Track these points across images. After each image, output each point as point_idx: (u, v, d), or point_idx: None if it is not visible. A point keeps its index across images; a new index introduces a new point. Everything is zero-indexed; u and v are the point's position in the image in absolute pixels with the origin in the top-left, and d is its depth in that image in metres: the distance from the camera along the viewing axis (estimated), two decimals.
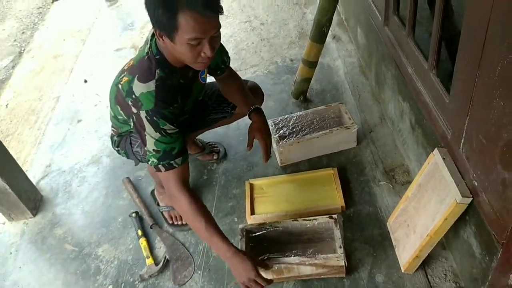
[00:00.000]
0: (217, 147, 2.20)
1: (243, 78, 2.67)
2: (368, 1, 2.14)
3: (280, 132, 2.06)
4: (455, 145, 1.32)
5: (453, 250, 1.51)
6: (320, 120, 2.10)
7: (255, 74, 2.72)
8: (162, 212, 1.93)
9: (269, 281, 1.44)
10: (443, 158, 1.36)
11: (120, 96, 1.45)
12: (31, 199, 2.10)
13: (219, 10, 1.26)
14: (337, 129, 1.98)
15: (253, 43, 3.00)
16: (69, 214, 2.06)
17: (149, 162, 1.43)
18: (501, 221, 1.11)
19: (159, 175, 1.44)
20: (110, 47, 3.35)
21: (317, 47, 2.16)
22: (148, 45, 1.42)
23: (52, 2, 4.36)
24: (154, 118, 1.35)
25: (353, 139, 2.03)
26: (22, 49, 3.70)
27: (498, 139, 1.06)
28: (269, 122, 2.07)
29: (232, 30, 3.17)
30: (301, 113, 2.13)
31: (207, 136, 2.20)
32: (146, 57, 1.41)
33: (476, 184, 1.22)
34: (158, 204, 1.96)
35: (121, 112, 1.54)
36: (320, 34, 2.10)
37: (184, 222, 1.86)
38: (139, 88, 1.37)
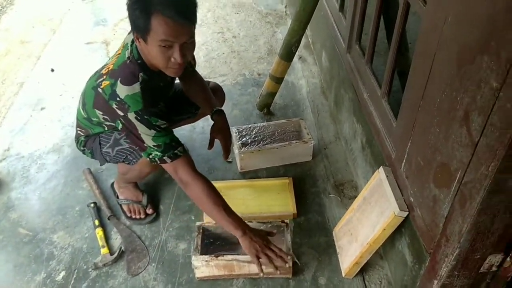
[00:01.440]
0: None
1: None
2: (334, 29, 2.32)
3: (243, 139, 2.18)
4: (397, 165, 1.50)
5: (389, 260, 1.67)
6: (280, 132, 2.24)
7: (223, 83, 2.82)
8: (121, 205, 1.98)
9: (279, 249, 1.51)
10: (387, 176, 1.53)
11: (101, 100, 1.49)
12: None
13: (192, 18, 1.34)
14: (296, 142, 2.13)
15: (223, 53, 3.13)
16: (25, 199, 2.07)
17: (151, 157, 1.47)
18: (430, 233, 1.28)
19: (166, 167, 1.49)
20: (81, 39, 3.35)
21: (285, 65, 2.32)
22: (129, 50, 1.49)
23: None
24: (145, 117, 1.41)
25: (309, 153, 2.18)
26: None
27: (433, 160, 1.23)
28: (233, 129, 2.20)
29: (204, 39, 3.28)
30: (263, 124, 2.27)
31: None
32: (127, 61, 1.48)
33: (412, 200, 1.39)
34: (117, 197, 2.01)
35: (100, 115, 1.58)
36: (288, 53, 2.26)
37: (142, 216, 1.93)
38: (123, 90, 1.42)
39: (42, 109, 2.65)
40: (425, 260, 1.34)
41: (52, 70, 3.00)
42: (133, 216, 1.94)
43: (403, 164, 1.45)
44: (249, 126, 2.26)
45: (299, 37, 2.20)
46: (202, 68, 2.93)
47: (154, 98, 1.48)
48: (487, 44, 0.94)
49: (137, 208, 1.94)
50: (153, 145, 1.45)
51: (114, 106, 1.44)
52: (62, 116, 2.58)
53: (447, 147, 1.14)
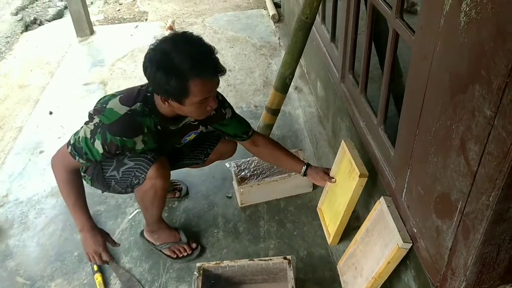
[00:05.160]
0: (179, 185, 2.26)
1: None
2: (328, 59, 2.34)
3: (242, 174, 2.16)
4: (398, 194, 1.47)
5: None
6: None
7: None
8: (161, 251, 1.92)
9: (111, 258, 1.66)
10: (388, 206, 1.50)
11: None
12: None
13: (223, 72, 1.41)
14: (295, 174, 2.10)
15: (220, 87, 3.12)
16: (23, 246, 2.03)
17: (69, 139, 1.56)
18: (436, 265, 1.24)
19: (61, 148, 1.59)
20: (79, 81, 3.39)
21: (280, 97, 2.32)
22: (147, 83, 1.53)
23: (22, 33, 4.38)
24: (99, 129, 1.48)
25: (309, 184, 2.15)
26: None
27: (433, 190, 1.20)
28: (232, 163, 2.18)
29: None
30: None
31: (171, 174, 2.25)
32: (140, 88, 1.56)
33: (415, 230, 1.35)
34: (153, 245, 1.94)
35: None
36: (283, 85, 2.27)
37: (189, 252, 1.89)
38: (114, 104, 1.50)
39: (41, 152, 2.65)
40: None
41: (51, 113, 3.02)
42: (180, 255, 1.89)
43: (403, 193, 1.42)
44: (248, 159, 2.24)
45: (293, 69, 2.22)
46: None
47: (129, 131, 1.50)
48: (477, 73, 0.93)
49: (180, 247, 1.89)
50: (78, 137, 1.52)
51: (95, 107, 1.55)
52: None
53: (446, 177, 1.11)
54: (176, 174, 2.29)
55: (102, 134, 1.48)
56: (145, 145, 1.56)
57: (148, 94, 1.53)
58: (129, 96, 1.53)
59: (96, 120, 1.50)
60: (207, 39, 3.90)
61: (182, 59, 1.33)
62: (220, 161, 2.14)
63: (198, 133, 1.78)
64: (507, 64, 0.83)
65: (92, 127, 1.50)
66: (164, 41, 1.40)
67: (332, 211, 1.90)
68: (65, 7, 4.78)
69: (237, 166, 2.20)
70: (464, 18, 0.96)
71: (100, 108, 1.51)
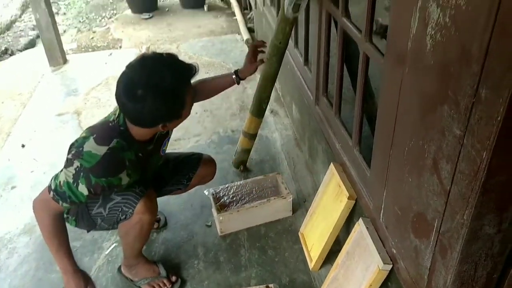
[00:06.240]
0: (157, 216, 2.21)
1: (186, 146, 2.77)
2: (302, 82, 2.37)
3: (221, 201, 2.14)
4: (376, 215, 1.46)
5: None
6: (258, 189, 2.21)
7: (198, 143, 2.82)
8: (140, 287, 1.85)
9: None
10: (367, 227, 1.49)
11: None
12: None
13: (197, 68, 1.50)
14: (274, 198, 2.09)
15: (196, 113, 3.14)
16: None
17: (50, 183, 1.48)
18: (416, 286, 1.23)
19: (43, 193, 1.51)
20: (52, 112, 3.33)
21: (257, 121, 2.32)
22: (116, 115, 1.50)
23: None
24: (81, 173, 1.41)
25: (289, 208, 2.14)
26: None
27: (409, 210, 1.21)
28: (210, 191, 2.15)
29: None
30: (241, 182, 2.23)
31: None
32: (110, 123, 1.50)
33: (394, 251, 1.35)
34: (131, 281, 1.87)
35: None
36: (259, 109, 2.27)
37: (169, 286, 1.83)
38: (91, 146, 1.44)
39: (12, 188, 2.56)
40: None
41: (23, 146, 2.94)
42: None
43: (381, 214, 1.42)
44: (226, 186, 2.22)
45: (268, 93, 2.23)
46: (176, 130, 2.87)
47: (112, 169, 1.46)
48: (445, 94, 0.95)
49: (160, 282, 1.83)
50: (59, 181, 1.44)
51: (71, 151, 1.46)
52: (34, 194, 2.45)
53: (422, 196, 1.12)
54: None
55: (86, 178, 1.42)
56: (130, 177, 1.52)
57: (121, 128, 1.49)
58: (103, 134, 1.47)
59: (77, 164, 1.42)
60: None
61: (170, 80, 1.34)
62: (199, 188, 2.11)
63: (169, 137, 1.78)
64: (472, 85, 0.85)
65: (73, 171, 1.42)
66: (134, 76, 1.35)
67: (316, 234, 1.88)
68: (37, 36, 4.74)
69: (215, 193, 2.17)
70: (430, 41, 0.98)
71: (78, 152, 1.44)
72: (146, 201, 1.60)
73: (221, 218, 2.04)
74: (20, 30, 5.05)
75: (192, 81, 1.49)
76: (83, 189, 1.43)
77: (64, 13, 5.51)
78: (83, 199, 1.47)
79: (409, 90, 1.13)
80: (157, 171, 1.85)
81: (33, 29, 4.96)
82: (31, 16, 4.89)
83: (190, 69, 1.44)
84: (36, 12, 3.40)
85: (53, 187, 1.46)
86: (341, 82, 1.80)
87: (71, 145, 1.50)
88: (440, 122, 0.98)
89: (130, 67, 1.38)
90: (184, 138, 2.86)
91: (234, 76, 1.90)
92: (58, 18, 5.05)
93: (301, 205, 2.21)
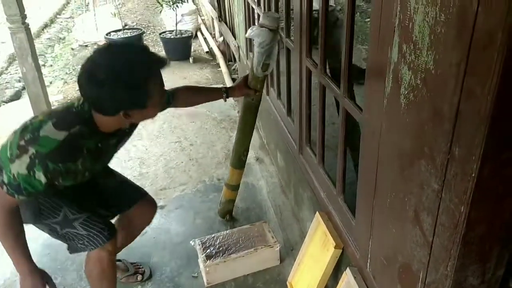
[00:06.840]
0: (141, 267, 2.17)
1: (171, 196, 2.76)
2: (285, 131, 2.43)
3: (207, 251, 2.12)
4: (363, 264, 1.48)
5: None
6: (245, 238, 2.20)
7: (184, 192, 2.82)
8: None
9: None
10: (355, 277, 1.50)
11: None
12: None
13: (167, 61, 1.48)
14: (261, 248, 2.09)
15: (182, 162, 3.16)
16: None
17: (0, 179, 1.39)
18: None
19: None
20: None
21: (238, 172, 2.35)
22: (80, 102, 1.45)
23: None
24: (37, 160, 1.34)
25: (276, 257, 2.13)
26: None
27: (395, 260, 1.23)
28: (197, 241, 2.14)
29: (162, 150, 3.32)
30: (227, 232, 2.23)
31: (133, 255, 2.18)
32: (74, 109, 1.45)
33: None
34: None
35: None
36: (239, 161, 2.31)
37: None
38: (48, 130, 1.37)
39: None
40: None
41: None
42: None
43: (368, 263, 1.44)
44: (213, 236, 2.21)
45: (247, 145, 2.27)
46: (162, 179, 2.93)
47: (69, 156, 1.40)
48: (421, 150, 1.00)
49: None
50: (13, 174, 1.36)
51: (25, 138, 1.37)
52: None
53: (406, 247, 1.15)
54: (139, 256, 2.22)
55: (42, 165, 1.34)
56: (84, 167, 1.47)
57: (86, 116, 1.43)
58: (64, 119, 1.42)
59: (32, 151, 1.34)
60: (168, 114, 3.94)
61: (133, 67, 1.31)
62: (185, 238, 2.10)
63: (130, 136, 1.73)
64: (446, 143, 0.90)
65: (28, 160, 1.34)
66: (98, 60, 1.33)
67: (304, 284, 1.87)
68: (23, 88, 4.76)
69: (201, 244, 2.16)
70: (404, 100, 1.05)
71: (33, 138, 1.37)
72: (114, 243, 1.63)
73: (207, 269, 2.02)
74: (6, 82, 5.08)
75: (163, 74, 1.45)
76: (40, 176, 1.36)
77: (51, 65, 5.57)
78: (41, 188, 1.39)
79: (387, 145, 1.18)
80: (104, 196, 1.80)
81: (19, 81, 5.00)
82: (18, 68, 4.93)
83: (159, 61, 1.40)
84: (22, 66, 3.44)
85: (6, 181, 1.38)
86: (323, 133, 1.86)
87: (24, 129, 1.42)
88: (419, 176, 1.03)
89: (96, 51, 1.36)
90: (169, 187, 2.86)
91: (224, 94, 1.99)
92: (44, 70, 5.10)
93: (288, 254, 2.21)
